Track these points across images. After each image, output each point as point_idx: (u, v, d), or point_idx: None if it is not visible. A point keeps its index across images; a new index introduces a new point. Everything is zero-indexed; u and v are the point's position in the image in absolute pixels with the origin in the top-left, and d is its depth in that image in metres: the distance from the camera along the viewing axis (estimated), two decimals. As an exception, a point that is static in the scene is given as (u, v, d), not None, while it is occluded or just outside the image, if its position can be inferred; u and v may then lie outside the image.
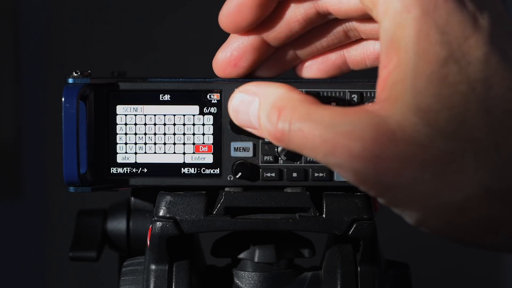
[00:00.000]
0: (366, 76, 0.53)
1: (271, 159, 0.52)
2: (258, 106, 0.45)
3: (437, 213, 0.42)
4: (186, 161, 0.53)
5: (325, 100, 0.52)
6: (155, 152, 0.53)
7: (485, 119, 0.41)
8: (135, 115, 0.53)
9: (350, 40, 0.52)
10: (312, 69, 0.53)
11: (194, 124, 0.52)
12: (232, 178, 0.52)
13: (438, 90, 0.41)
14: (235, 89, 0.48)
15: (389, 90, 0.42)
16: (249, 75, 0.53)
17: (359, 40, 0.52)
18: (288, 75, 0.54)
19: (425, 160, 0.41)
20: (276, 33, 0.50)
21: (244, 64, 0.52)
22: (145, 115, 0.53)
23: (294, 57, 0.53)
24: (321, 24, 0.51)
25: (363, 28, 0.50)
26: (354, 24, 0.50)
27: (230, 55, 0.51)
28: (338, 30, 0.51)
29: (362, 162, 0.41)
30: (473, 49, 0.41)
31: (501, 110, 0.41)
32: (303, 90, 0.52)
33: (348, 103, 0.51)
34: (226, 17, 0.50)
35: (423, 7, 0.41)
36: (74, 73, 0.52)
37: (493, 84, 0.41)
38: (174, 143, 0.53)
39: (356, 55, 0.52)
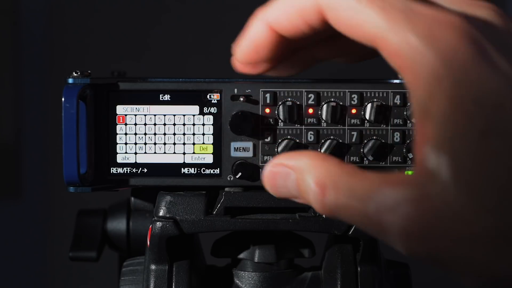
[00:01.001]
0: (366, 76, 0.53)
1: (271, 159, 0.52)
2: (296, 181, 0.44)
3: (494, 284, 0.41)
4: (186, 161, 0.53)
5: (325, 100, 0.52)
6: (155, 152, 0.53)
7: None
8: (135, 115, 0.53)
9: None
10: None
11: (194, 124, 0.52)
12: (232, 178, 0.52)
13: (478, 164, 0.39)
14: (267, 164, 0.46)
15: (427, 162, 0.40)
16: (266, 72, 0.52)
17: None
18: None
19: (474, 236, 0.40)
20: (294, 34, 0.49)
21: (263, 66, 0.50)
22: (145, 115, 0.53)
23: (313, 59, 0.52)
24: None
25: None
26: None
27: (249, 55, 0.49)
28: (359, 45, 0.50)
29: (411, 240, 0.40)
30: (511, 118, 0.39)
31: None
32: (303, 90, 0.52)
33: (350, 106, 0.51)
34: (243, 57, 0.49)
35: (454, 77, 0.39)
36: (74, 73, 0.52)
37: None
38: (174, 143, 0.53)
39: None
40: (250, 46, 0.48)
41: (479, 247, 0.40)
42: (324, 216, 0.46)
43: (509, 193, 0.40)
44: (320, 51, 0.51)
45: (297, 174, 0.44)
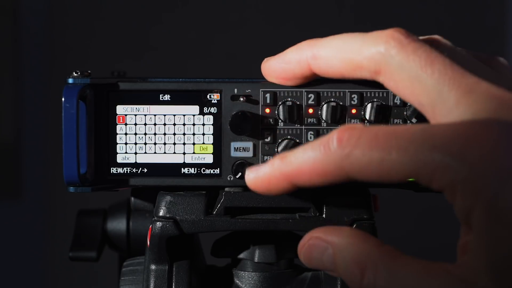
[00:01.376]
0: (366, 76, 0.53)
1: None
2: (333, 256, 0.45)
3: None
4: (186, 161, 0.53)
5: (325, 100, 0.52)
6: (155, 152, 0.53)
7: None
8: (135, 115, 0.53)
9: None
10: None
11: (194, 124, 0.52)
12: (232, 178, 0.52)
13: None
14: (305, 236, 0.46)
15: (469, 260, 0.41)
16: None
17: None
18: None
19: None
20: (329, 76, 0.50)
21: (289, 84, 0.51)
22: (145, 115, 0.53)
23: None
24: None
25: None
26: None
27: (279, 75, 0.51)
28: None
29: None
30: None
31: None
32: (303, 90, 0.52)
33: (350, 106, 0.51)
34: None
35: (490, 190, 0.40)
36: (74, 73, 0.52)
37: None
38: (174, 143, 0.53)
39: None
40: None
41: None
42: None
43: None
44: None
45: (335, 250, 0.44)
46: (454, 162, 0.40)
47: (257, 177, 0.47)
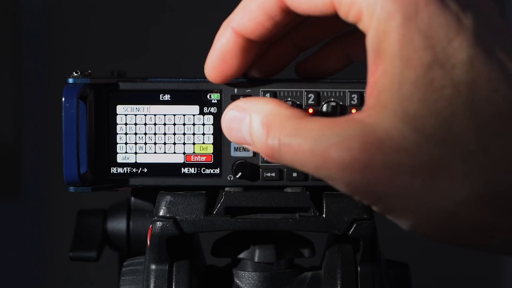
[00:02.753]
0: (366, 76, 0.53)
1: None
2: (249, 123, 0.45)
3: (429, 219, 0.42)
4: (186, 161, 0.53)
5: (325, 100, 0.52)
6: (155, 152, 0.53)
7: (472, 122, 0.41)
8: (135, 115, 0.53)
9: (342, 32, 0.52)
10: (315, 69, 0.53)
11: (194, 124, 0.52)
12: (232, 178, 0.53)
13: (423, 96, 0.41)
14: (227, 107, 0.47)
15: (375, 98, 0.42)
16: (250, 76, 0.52)
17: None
18: (288, 75, 0.54)
19: (414, 167, 0.41)
20: (253, 31, 0.48)
21: (232, 65, 0.49)
22: (145, 115, 0.53)
23: (291, 51, 0.52)
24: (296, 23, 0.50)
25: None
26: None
27: (216, 59, 0.49)
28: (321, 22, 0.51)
29: (352, 173, 0.41)
30: (457, 51, 0.41)
31: (487, 113, 0.41)
32: (303, 90, 0.52)
33: (350, 106, 0.51)
34: (212, 69, 0.49)
35: (405, 13, 0.41)
36: (74, 73, 0.52)
37: (479, 87, 0.41)
38: (174, 143, 0.53)
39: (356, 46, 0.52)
40: (218, 57, 0.49)
41: (417, 179, 0.41)
42: (279, 163, 0.46)
43: (451, 125, 0.41)
44: (282, 49, 0.51)
45: (250, 116, 0.45)
46: None
47: (212, 54, 0.49)
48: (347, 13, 0.43)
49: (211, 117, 0.52)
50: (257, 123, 0.44)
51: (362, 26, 0.43)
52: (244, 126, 0.46)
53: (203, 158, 0.53)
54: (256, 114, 0.45)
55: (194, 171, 0.53)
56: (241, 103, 0.46)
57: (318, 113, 0.52)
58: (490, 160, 0.41)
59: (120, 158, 0.53)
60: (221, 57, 0.49)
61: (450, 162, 0.41)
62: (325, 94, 0.52)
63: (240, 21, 0.48)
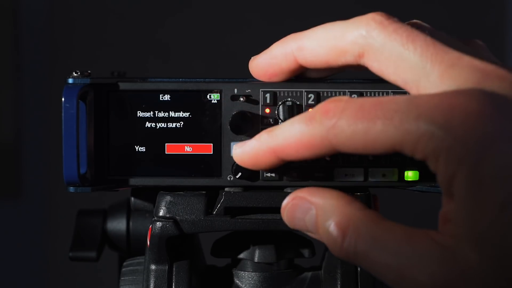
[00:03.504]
0: (366, 76, 0.53)
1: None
2: (316, 217, 0.45)
3: None
4: (186, 161, 0.53)
5: (325, 99, 0.52)
6: (155, 152, 0.53)
7: None
8: (135, 115, 0.53)
9: None
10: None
11: (194, 124, 0.52)
12: (232, 178, 0.52)
13: (498, 235, 0.40)
14: (289, 195, 0.47)
15: (452, 227, 0.41)
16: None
17: None
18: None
19: None
20: (314, 66, 0.50)
21: (278, 79, 0.51)
22: (145, 115, 0.52)
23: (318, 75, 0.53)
24: None
25: None
26: None
27: (266, 71, 0.51)
28: None
29: None
30: None
31: None
32: (303, 90, 0.52)
33: None
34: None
35: (472, 157, 0.40)
36: (74, 73, 0.52)
37: None
38: (174, 143, 0.53)
39: None
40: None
41: None
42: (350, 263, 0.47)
43: None
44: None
45: (318, 212, 0.44)
46: (439, 130, 0.41)
47: (244, 152, 0.48)
48: (413, 153, 0.42)
49: (211, 117, 0.52)
50: (329, 224, 0.44)
51: (429, 164, 0.42)
52: (309, 218, 0.45)
53: (203, 158, 0.53)
54: (325, 210, 0.44)
55: (194, 171, 0.53)
56: (304, 193, 0.46)
57: None
58: None
59: (120, 158, 0.53)
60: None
61: None
62: (325, 94, 0.52)
63: (310, 54, 0.48)
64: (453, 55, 0.44)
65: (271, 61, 0.50)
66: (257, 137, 0.47)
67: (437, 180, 0.42)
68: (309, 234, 0.46)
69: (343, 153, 0.44)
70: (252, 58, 0.51)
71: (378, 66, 0.46)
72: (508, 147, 0.40)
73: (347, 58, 0.47)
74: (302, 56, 0.49)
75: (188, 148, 0.53)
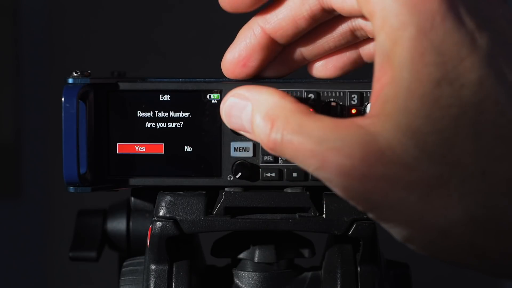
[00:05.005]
0: (366, 76, 0.53)
1: (271, 159, 0.52)
2: (251, 112, 0.45)
3: (421, 234, 0.42)
4: (186, 161, 0.53)
5: (325, 100, 0.52)
6: (155, 152, 0.53)
7: (474, 144, 0.40)
8: (135, 115, 0.53)
9: (358, 40, 0.51)
10: (327, 67, 0.53)
11: (194, 124, 0.52)
12: (232, 178, 0.52)
13: (429, 112, 0.40)
14: (227, 93, 0.47)
15: (380, 106, 0.42)
16: (257, 75, 0.53)
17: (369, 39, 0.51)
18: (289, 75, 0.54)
19: (411, 181, 0.41)
20: (283, 30, 0.50)
21: (253, 64, 0.51)
22: (145, 115, 0.53)
23: (302, 57, 0.52)
24: (328, 23, 0.50)
25: (369, 28, 0.49)
26: (360, 23, 0.50)
27: (239, 55, 0.51)
28: (345, 30, 0.50)
29: (350, 179, 0.41)
30: (468, 71, 0.40)
31: (491, 136, 0.40)
32: (303, 90, 0.52)
33: (350, 106, 0.51)
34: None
35: (419, 26, 0.40)
36: (74, 73, 0.52)
37: (485, 109, 0.40)
38: (174, 143, 0.53)
39: (370, 48, 0.52)
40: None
41: (413, 194, 0.41)
42: (276, 155, 0.47)
43: (453, 145, 0.40)
44: (308, 47, 0.51)
45: (253, 106, 0.45)
46: None
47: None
48: (363, 5, 0.43)
49: (211, 117, 0.52)
50: (261, 115, 0.44)
51: (373, 23, 0.42)
52: (245, 115, 0.46)
53: (203, 158, 0.53)
54: (259, 105, 0.45)
55: (194, 171, 0.53)
56: (242, 90, 0.46)
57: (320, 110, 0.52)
58: (487, 183, 0.41)
59: (120, 158, 0.53)
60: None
61: (447, 182, 0.41)
62: (325, 94, 0.52)
63: (273, 20, 0.48)
64: None
65: (245, 51, 0.50)
66: None
67: (375, 42, 0.42)
68: (245, 134, 0.46)
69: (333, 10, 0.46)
70: (223, 58, 0.51)
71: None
72: (458, 26, 0.40)
73: (309, 3, 0.48)
74: (269, 26, 0.49)
75: (188, 148, 0.53)
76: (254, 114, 0.45)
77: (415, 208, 0.41)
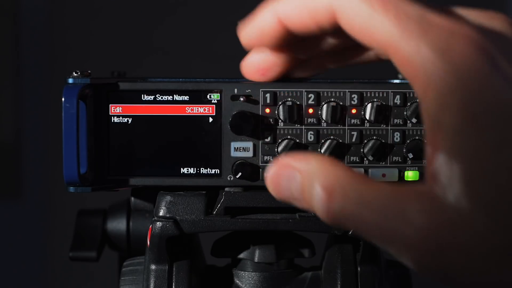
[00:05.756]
0: (366, 76, 0.53)
1: (271, 159, 0.52)
2: (301, 183, 0.43)
3: None
4: (186, 161, 0.53)
5: (325, 100, 0.52)
6: (155, 152, 0.53)
7: None
8: (135, 115, 0.53)
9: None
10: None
11: (194, 124, 0.52)
12: (232, 178, 0.52)
13: (492, 179, 0.38)
14: (273, 163, 0.45)
15: (439, 174, 0.39)
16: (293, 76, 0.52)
17: None
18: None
19: (488, 251, 0.39)
20: (305, 52, 0.49)
21: (272, 75, 0.51)
22: (145, 115, 0.53)
23: (324, 66, 0.51)
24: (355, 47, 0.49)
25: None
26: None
27: (258, 66, 0.50)
28: (371, 57, 0.49)
29: (421, 252, 0.39)
30: None
31: None
32: (303, 90, 0.52)
33: (350, 106, 0.51)
34: (247, 38, 0.49)
35: (467, 89, 0.39)
36: (74, 73, 0.52)
37: None
38: (174, 143, 0.53)
39: None
40: (255, 31, 0.48)
41: (491, 263, 0.39)
42: (337, 226, 0.45)
43: None
44: (329, 60, 0.51)
45: (303, 177, 0.43)
46: (435, 54, 0.39)
47: (251, 23, 0.47)
48: (402, 67, 0.41)
49: (211, 117, 0.52)
50: (316, 186, 0.42)
51: (415, 88, 0.40)
52: (294, 185, 0.43)
53: (203, 158, 0.53)
54: (311, 174, 0.43)
55: (194, 171, 0.53)
56: (288, 160, 0.44)
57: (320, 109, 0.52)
58: None
59: (120, 158, 0.53)
60: (259, 33, 0.48)
61: None
62: (325, 94, 0.52)
63: (287, 13, 0.46)
64: (430, 11, 0.41)
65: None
66: (261, 8, 0.47)
67: (422, 107, 0.40)
68: (295, 203, 0.44)
69: (342, 28, 0.43)
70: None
71: (351, 27, 0.43)
72: (505, 84, 0.39)
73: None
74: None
75: (188, 148, 0.53)
76: (306, 184, 0.43)
77: (494, 278, 0.39)
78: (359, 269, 0.54)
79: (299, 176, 0.43)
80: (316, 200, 0.42)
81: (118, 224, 0.65)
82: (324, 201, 0.42)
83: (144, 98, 0.52)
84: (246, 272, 0.56)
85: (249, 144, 0.52)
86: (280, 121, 0.52)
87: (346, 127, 0.52)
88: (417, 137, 0.52)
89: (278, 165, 0.44)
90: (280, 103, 0.52)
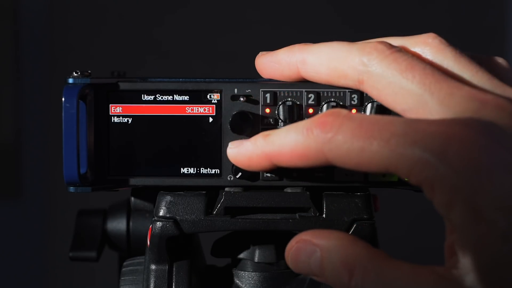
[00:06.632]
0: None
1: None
2: (321, 259, 0.44)
3: None
4: (186, 161, 0.53)
5: (325, 100, 0.52)
6: (155, 152, 0.53)
7: None
8: (135, 115, 0.53)
9: None
10: None
11: (194, 124, 0.52)
12: (232, 178, 0.52)
13: (502, 266, 0.40)
14: (293, 239, 0.46)
15: (457, 260, 0.41)
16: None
17: None
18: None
19: None
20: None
21: (279, 79, 0.52)
22: (145, 115, 0.53)
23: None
24: None
25: None
26: None
27: (269, 72, 0.52)
28: None
29: None
30: None
31: None
32: (303, 90, 0.52)
33: (350, 106, 0.51)
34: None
35: (470, 187, 0.40)
36: (74, 73, 0.52)
37: None
38: (174, 143, 0.53)
39: None
40: (243, 159, 0.49)
41: None
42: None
43: None
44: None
45: (323, 253, 0.44)
46: (434, 159, 0.41)
47: (239, 153, 0.49)
48: (406, 177, 0.42)
49: (211, 117, 0.52)
50: (336, 263, 0.44)
51: (424, 190, 0.42)
52: (314, 260, 0.45)
53: (203, 158, 0.53)
54: (331, 252, 0.44)
55: (194, 171, 0.53)
56: (309, 236, 0.46)
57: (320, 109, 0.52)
58: None
59: (120, 158, 0.53)
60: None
61: None
62: (325, 94, 0.52)
63: (309, 70, 0.50)
64: (452, 84, 0.44)
65: (275, 65, 0.51)
66: (252, 140, 0.48)
67: (435, 207, 0.42)
68: (314, 277, 0.45)
69: (336, 166, 0.44)
70: (260, 53, 0.52)
71: (378, 93, 0.47)
72: (504, 176, 0.40)
73: (348, 82, 0.48)
74: (304, 70, 0.50)
75: (188, 148, 0.53)
76: (325, 261, 0.44)
77: None
78: (359, 269, 0.54)
79: (319, 253, 0.45)
80: (336, 277, 0.43)
81: (118, 224, 0.65)
82: (344, 279, 0.43)
83: (144, 98, 0.52)
84: (246, 272, 0.56)
85: (249, 144, 0.52)
86: (280, 121, 0.52)
87: (346, 127, 0.52)
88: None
89: (298, 240, 0.46)
90: (280, 103, 0.52)
